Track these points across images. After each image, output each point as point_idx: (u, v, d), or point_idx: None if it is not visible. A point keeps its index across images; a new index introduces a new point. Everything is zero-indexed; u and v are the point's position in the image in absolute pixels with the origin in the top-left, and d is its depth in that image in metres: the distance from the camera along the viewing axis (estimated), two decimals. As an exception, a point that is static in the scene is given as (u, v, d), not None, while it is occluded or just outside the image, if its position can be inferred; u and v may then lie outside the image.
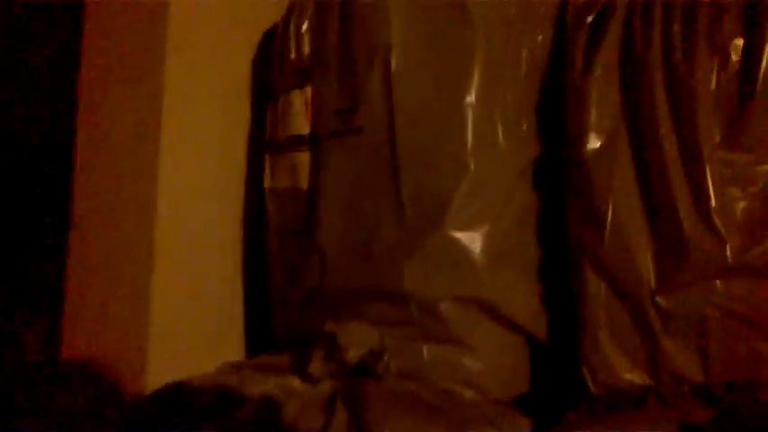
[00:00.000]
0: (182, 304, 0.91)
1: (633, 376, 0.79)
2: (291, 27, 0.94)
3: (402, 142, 0.82)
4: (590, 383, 0.80)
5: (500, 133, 0.83)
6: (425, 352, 0.80)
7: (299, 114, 0.91)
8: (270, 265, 0.97)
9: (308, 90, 0.90)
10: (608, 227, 0.80)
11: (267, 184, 0.97)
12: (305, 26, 0.92)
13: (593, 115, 0.84)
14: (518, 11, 0.86)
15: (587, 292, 0.81)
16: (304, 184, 0.90)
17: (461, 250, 0.79)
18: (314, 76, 0.90)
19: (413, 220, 0.80)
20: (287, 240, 0.93)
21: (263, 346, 0.99)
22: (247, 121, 1.03)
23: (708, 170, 0.77)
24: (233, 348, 1.01)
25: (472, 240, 0.79)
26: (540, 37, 0.89)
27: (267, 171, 0.97)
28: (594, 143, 0.83)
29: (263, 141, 0.99)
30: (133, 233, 0.88)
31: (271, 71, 0.99)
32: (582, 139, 0.84)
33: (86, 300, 0.91)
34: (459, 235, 0.79)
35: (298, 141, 0.91)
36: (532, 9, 0.88)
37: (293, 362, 0.83)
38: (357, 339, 0.79)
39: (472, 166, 0.80)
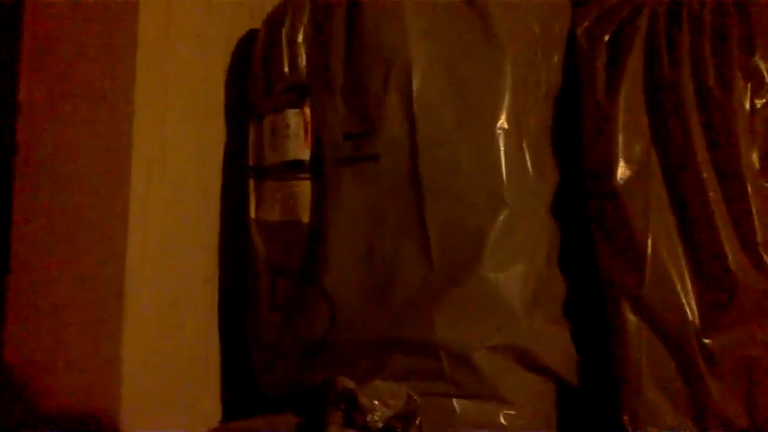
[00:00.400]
0: (154, 345, 0.78)
1: (676, 421, 0.74)
2: (283, 36, 0.82)
3: (426, 172, 0.72)
4: (630, 429, 0.75)
5: (528, 161, 0.76)
6: (458, 408, 0.71)
7: (296, 137, 0.79)
8: (256, 306, 0.85)
9: (307, 109, 0.79)
10: (648, 264, 0.74)
11: (252, 213, 0.85)
12: (300, 36, 0.81)
13: (622, 142, 0.78)
14: (540, 30, 0.79)
15: (627, 334, 0.75)
16: (304, 217, 0.79)
17: (497, 293, 0.71)
18: (314, 93, 0.79)
19: (442, 261, 0.71)
20: (281, 281, 0.81)
21: (242, 393, 0.87)
22: (223, 141, 0.90)
23: (752, 201, 0.73)
24: (209, 400, 0.89)
25: (508, 282, 0.71)
26: (556, 57, 0.83)
27: (252, 199, 0.85)
28: (626, 172, 0.78)
29: (246, 166, 0.86)
30: (99, 276, 0.74)
31: (252, 85, 0.87)
32: (612, 169, 0.78)
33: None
34: (495, 276, 0.71)
35: (294, 168, 0.80)
36: (550, 27, 0.82)
37: (302, 426, 0.72)
38: (382, 400, 0.69)
39: (508, 199, 0.72)
